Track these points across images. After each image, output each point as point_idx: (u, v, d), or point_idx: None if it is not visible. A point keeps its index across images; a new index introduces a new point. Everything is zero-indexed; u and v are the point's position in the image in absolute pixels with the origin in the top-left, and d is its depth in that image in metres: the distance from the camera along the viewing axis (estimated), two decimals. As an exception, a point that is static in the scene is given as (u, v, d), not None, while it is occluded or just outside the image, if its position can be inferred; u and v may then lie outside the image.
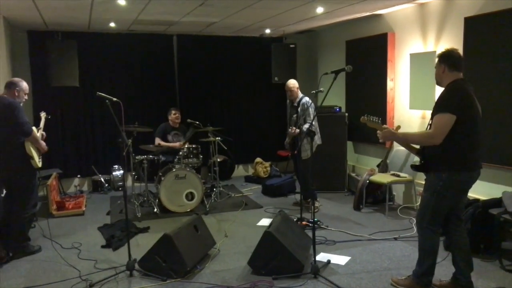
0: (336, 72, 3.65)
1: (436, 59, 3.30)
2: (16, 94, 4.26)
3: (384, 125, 3.49)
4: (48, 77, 6.45)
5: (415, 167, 3.41)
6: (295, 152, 5.58)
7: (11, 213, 4.29)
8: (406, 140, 3.49)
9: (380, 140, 3.50)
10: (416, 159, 3.55)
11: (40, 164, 4.37)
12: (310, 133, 3.97)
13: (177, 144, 6.51)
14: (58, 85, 6.52)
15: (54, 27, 6.65)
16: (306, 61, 8.46)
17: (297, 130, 5.48)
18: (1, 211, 4.31)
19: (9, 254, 4.21)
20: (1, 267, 4.03)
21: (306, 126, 5.37)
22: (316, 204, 5.80)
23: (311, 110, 5.53)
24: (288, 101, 5.87)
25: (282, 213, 4.38)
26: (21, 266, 4.11)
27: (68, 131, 7.23)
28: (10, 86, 4.27)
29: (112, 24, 6.61)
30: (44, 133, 4.66)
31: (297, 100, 5.65)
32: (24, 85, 4.36)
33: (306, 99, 5.59)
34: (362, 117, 3.56)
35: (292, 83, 5.71)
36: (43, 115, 4.89)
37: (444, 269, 3.80)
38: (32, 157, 4.23)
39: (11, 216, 4.29)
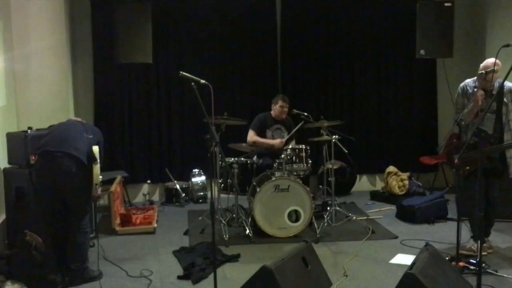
0: (524, 43, 3.42)
1: None
2: None
3: None
4: (114, 51, 6.87)
5: None
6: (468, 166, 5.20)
7: (70, 226, 4.70)
8: None
9: None
10: None
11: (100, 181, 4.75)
12: None
13: (277, 141, 6.56)
14: (127, 62, 6.92)
15: (124, -14, 7.06)
16: (468, 27, 8.15)
17: None
18: (54, 227, 4.74)
19: (65, 278, 4.55)
20: (55, 296, 4.39)
21: None
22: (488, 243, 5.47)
23: None
24: (466, 87, 5.32)
25: (430, 248, 4.23)
26: (79, 296, 4.43)
27: (136, 124, 7.67)
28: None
29: (196, -20, 6.87)
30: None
31: (495, 86, 5.05)
32: None
33: (509, 83, 5.04)
34: None
35: (491, 62, 5.00)
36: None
37: None
38: (96, 160, 4.61)
39: (69, 229, 4.70)
